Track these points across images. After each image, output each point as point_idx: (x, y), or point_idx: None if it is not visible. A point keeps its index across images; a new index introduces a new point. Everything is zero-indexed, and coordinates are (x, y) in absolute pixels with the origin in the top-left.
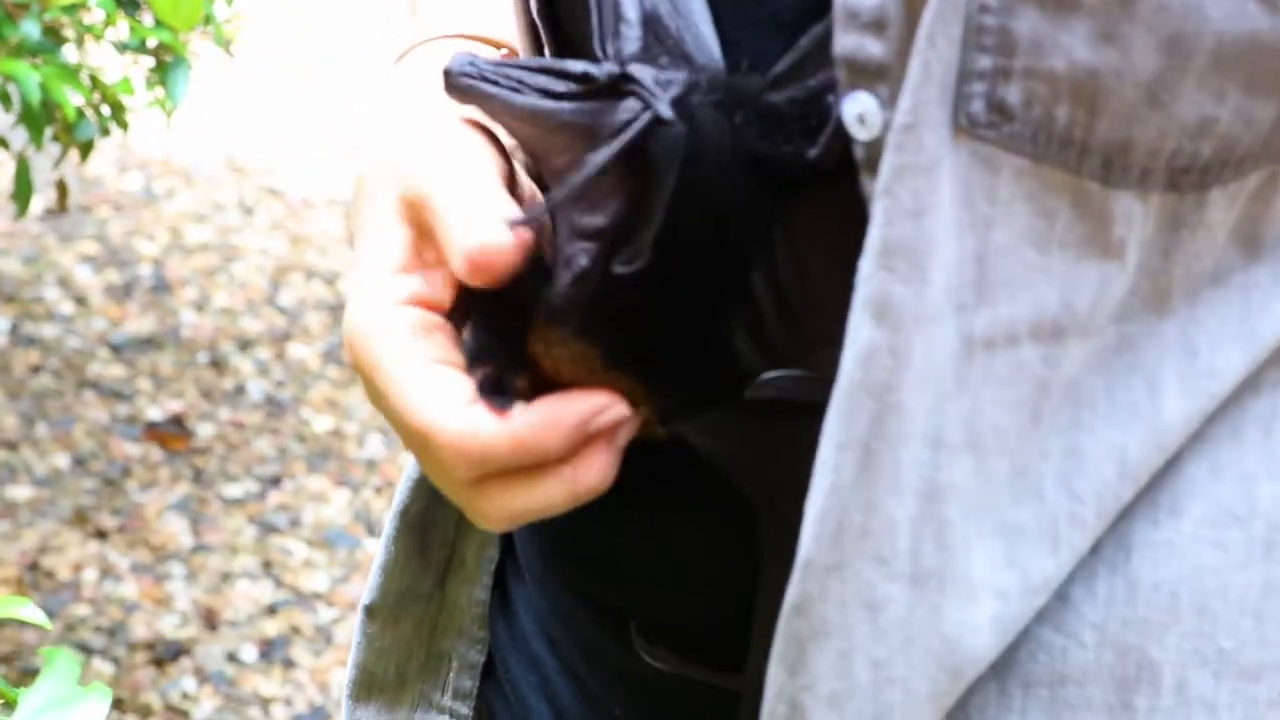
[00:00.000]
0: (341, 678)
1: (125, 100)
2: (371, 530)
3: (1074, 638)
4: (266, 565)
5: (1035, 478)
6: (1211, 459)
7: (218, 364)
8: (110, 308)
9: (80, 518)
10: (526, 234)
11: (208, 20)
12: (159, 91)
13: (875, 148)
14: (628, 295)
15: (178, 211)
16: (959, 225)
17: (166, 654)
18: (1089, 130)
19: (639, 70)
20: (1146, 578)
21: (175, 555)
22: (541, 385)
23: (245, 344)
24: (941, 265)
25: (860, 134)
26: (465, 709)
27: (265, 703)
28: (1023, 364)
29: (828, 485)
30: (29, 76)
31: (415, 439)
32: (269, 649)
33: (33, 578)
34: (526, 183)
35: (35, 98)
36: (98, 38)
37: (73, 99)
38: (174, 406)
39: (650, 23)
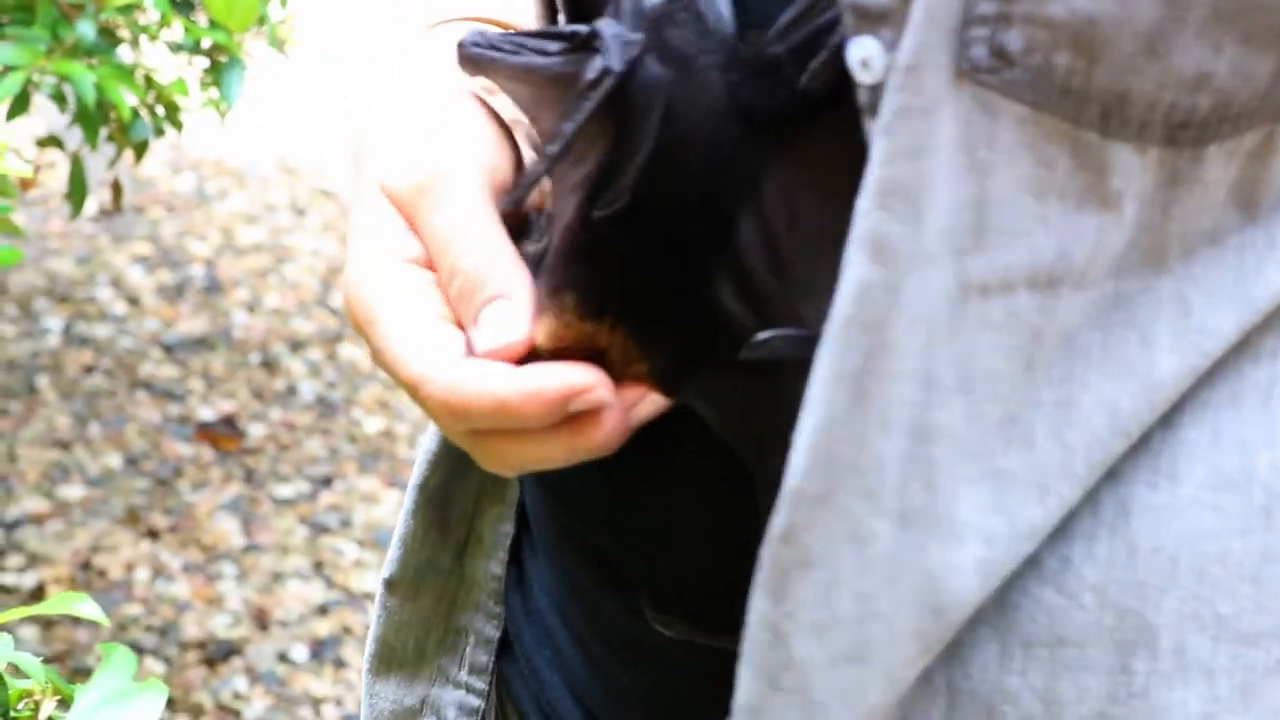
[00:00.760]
0: None
1: (180, 101)
2: None
3: (1074, 599)
4: (317, 565)
5: (1026, 426)
6: (1212, 425)
7: (269, 364)
8: (163, 308)
9: (132, 517)
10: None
11: (262, 21)
12: (213, 93)
13: (878, 92)
14: (608, 243)
15: (230, 212)
16: (957, 169)
17: (218, 654)
18: (1088, 79)
19: (604, 26)
20: (1146, 541)
21: (227, 555)
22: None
23: (297, 345)
24: (938, 207)
25: (864, 78)
26: (481, 684)
27: (316, 703)
28: (1017, 312)
29: (818, 418)
30: (84, 77)
31: (409, 391)
32: (320, 649)
33: (85, 577)
34: (531, 157)
35: (90, 98)
36: (153, 38)
37: (128, 99)
38: (226, 407)
39: None
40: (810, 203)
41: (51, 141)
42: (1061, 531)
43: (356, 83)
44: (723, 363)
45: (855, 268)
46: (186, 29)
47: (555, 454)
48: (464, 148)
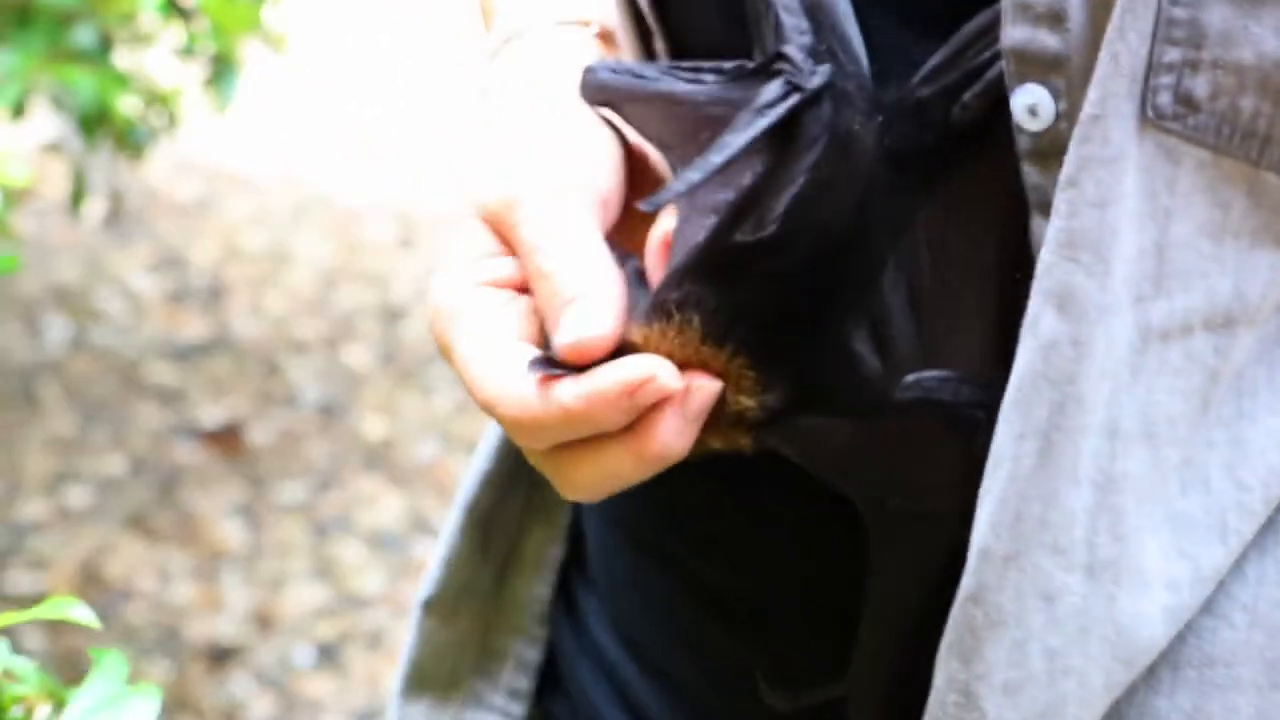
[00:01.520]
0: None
1: (179, 105)
2: (425, 533)
3: (1224, 619)
4: (320, 568)
5: (1201, 467)
6: None
7: (272, 369)
8: (165, 313)
9: (136, 522)
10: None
11: (259, 25)
12: (212, 97)
13: (1043, 139)
14: (746, 270)
15: (232, 218)
16: (1140, 217)
17: (221, 657)
18: (1273, 122)
19: (791, 50)
20: None
21: (230, 559)
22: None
23: (299, 349)
24: (1123, 256)
25: (1030, 125)
26: (519, 708)
27: (319, 706)
28: (1195, 354)
29: (1006, 475)
30: (83, 83)
31: (489, 414)
32: (323, 652)
33: (89, 581)
34: (660, 170)
35: (89, 104)
36: (151, 44)
37: (126, 105)
38: (228, 411)
39: (813, 11)
40: (956, 245)
41: (52, 148)
42: None
43: (355, 88)
44: (830, 405)
45: (1042, 321)
46: (187, 35)
47: (625, 466)
48: (559, 163)
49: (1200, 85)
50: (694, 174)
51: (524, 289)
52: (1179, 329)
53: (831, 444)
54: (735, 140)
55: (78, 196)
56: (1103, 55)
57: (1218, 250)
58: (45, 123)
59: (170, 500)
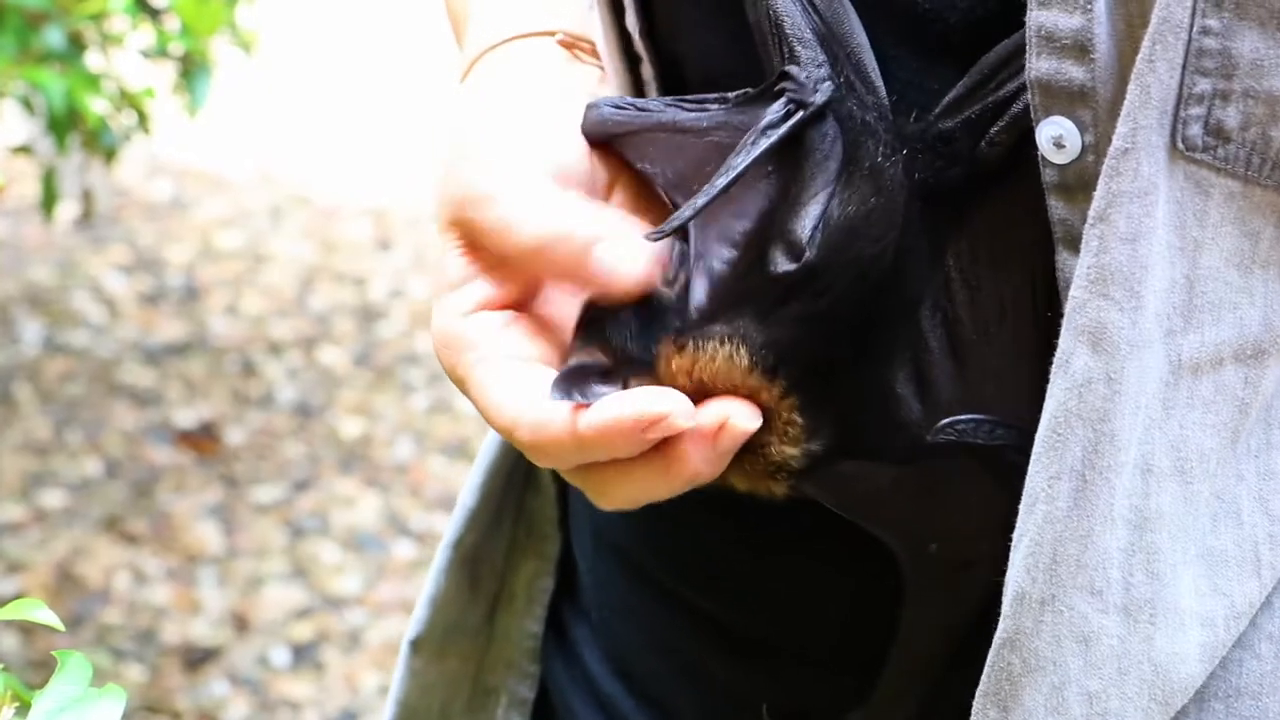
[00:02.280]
0: (371, 681)
1: (150, 106)
2: (402, 533)
3: (1250, 650)
4: (297, 569)
5: (1232, 501)
6: None
7: (248, 369)
8: (141, 314)
9: (111, 524)
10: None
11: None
12: (183, 97)
13: (1069, 172)
14: (791, 304)
15: (207, 218)
16: (1170, 250)
17: (198, 659)
18: None
19: (794, 69)
20: None
21: (206, 560)
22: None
23: (275, 349)
24: (1153, 290)
25: (1056, 158)
26: None
27: (296, 707)
28: (1225, 386)
29: (1041, 517)
30: (53, 84)
31: (507, 439)
32: (300, 653)
33: (64, 584)
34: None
35: (60, 105)
36: (121, 45)
37: (96, 106)
38: (204, 412)
39: (826, 42)
40: (987, 282)
41: (22, 150)
42: None
43: (332, 87)
44: (869, 449)
45: (1074, 359)
46: (157, 35)
47: (657, 486)
48: (508, 144)
49: (1231, 115)
50: (700, 199)
51: (512, 306)
52: (1209, 361)
53: (870, 489)
54: (740, 162)
55: (50, 198)
56: (1132, 87)
57: (1246, 281)
58: (16, 124)
59: (146, 502)
